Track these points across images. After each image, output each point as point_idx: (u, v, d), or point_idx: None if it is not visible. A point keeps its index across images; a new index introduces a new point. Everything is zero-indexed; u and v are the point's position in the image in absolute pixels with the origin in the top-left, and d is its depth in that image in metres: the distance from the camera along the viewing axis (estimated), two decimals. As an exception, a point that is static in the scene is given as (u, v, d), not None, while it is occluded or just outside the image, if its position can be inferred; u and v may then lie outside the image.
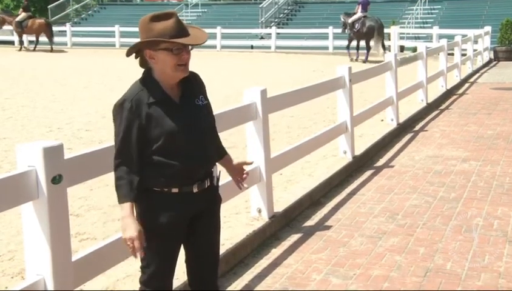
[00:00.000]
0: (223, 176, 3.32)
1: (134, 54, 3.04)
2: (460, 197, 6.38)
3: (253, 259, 4.94)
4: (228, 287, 4.44)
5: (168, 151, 2.94)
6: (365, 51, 22.67)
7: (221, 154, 3.35)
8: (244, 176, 3.40)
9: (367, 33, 22.28)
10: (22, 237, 3.32)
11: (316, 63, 22.11)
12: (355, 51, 23.06)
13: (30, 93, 15.16)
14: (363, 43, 22.83)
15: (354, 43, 23.27)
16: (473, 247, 5.03)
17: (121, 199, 2.98)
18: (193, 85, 3.09)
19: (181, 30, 2.91)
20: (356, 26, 22.43)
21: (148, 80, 2.98)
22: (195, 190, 3.04)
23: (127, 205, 2.95)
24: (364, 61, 21.90)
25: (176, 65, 2.92)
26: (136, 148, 2.93)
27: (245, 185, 3.44)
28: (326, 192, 6.68)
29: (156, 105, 2.93)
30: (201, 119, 3.05)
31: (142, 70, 3.07)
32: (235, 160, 3.43)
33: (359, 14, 23.03)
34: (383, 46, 22.35)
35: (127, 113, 2.91)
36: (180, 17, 3.02)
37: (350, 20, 22.86)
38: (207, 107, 3.13)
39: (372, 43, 22.33)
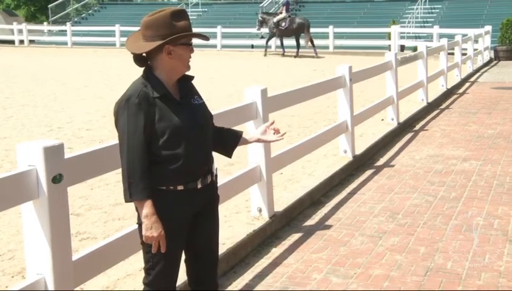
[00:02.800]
0: (222, 174, 3.32)
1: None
2: (461, 197, 6.38)
3: (253, 258, 4.94)
4: (228, 286, 4.44)
5: (172, 146, 2.95)
6: (264, 48, 25.99)
7: (238, 135, 3.37)
8: (274, 128, 3.38)
9: (297, 29, 24.90)
10: (23, 237, 3.32)
11: (316, 63, 22.11)
12: (281, 48, 25.91)
13: (30, 92, 15.17)
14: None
15: (271, 41, 26.55)
16: (473, 247, 5.03)
17: (137, 196, 2.91)
18: (189, 86, 3.14)
19: (191, 27, 3.05)
20: (283, 25, 24.91)
21: (150, 77, 3.01)
22: (199, 185, 3.06)
23: (148, 203, 2.92)
24: (296, 56, 24.68)
25: (188, 59, 3.04)
26: (144, 143, 2.92)
27: (282, 134, 3.41)
28: (327, 191, 6.68)
29: (161, 101, 2.97)
30: (200, 117, 3.09)
31: (142, 69, 3.08)
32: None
33: (284, 14, 25.43)
34: (312, 41, 25.06)
35: (134, 108, 2.92)
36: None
37: (275, 19, 25.15)
38: (204, 106, 3.17)
39: (301, 39, 25.14)
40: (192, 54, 3.06)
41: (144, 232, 2.95)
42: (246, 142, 3.43)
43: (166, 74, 3.01)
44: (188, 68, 3.07)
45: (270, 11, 26.84)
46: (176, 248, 3.10)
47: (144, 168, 2.91)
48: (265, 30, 26.28)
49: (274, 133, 3.38)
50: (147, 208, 2.92)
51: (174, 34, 2.93)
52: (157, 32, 2.95)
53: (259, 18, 26.41)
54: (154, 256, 3.04)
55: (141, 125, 2.91)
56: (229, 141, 3.35)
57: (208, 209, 3.19)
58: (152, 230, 2.92)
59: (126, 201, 2.98)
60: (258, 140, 3.47)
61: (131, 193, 2.92)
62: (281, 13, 25.78)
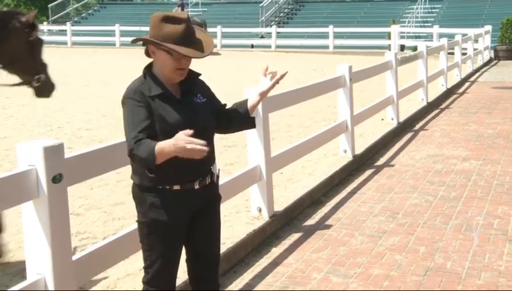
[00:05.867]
0: (222, 174, 3.32)
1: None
2: (461, 197, 6.38)
3: (253, 258, 4.94)
4: (228, 285, 4.44)
5: None
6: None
7: (245, 104, 3.26)
8: (271, 72, 3.27)
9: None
10: (23, 236, 3.32)
11: (316, 63, 22.11)
12: None
13: (30, 91, 15.13)
14: None
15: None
16: (473, 246, 5.03)
17: (153, 152, 2.76)
18: (192, 84, 3.11)
19: (187, 38, 2.91)
20: None
21: (149, 75, 3.01)
22: (196, 186, 3.05)
23: (160, 145, 2.75)
24: None
25: (174, 68, 2.95)
26: (147, 125, 2.86)
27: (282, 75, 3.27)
28: (327, 191, 6.68)
29: (157, 99, 2.95)
30: (200, 116, 3.06)
31: (142, 68, 3.08)
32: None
33: None
34: None
35: (133, 101, 2.92)
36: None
37: None
38: (206, 105, 3.12)
39: None
40: (183, 65, 2.95)
41: (185, 150, 2.72)
42: (254, 104, 3.28)
43: (160, 73, 2.99)
44: (178, 76, 2.97)
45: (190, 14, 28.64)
46: (174, 247, 3.10)
47: (146, 138, 2.82)
48: None
49: (271, 78, 3.26)
50: (162, 148, 2.75)
51: (155, 37, 2.91)
52: (150, 31, 2.96)
53: None
54: (151, 255, 3.05)
55: (143, 114, 2.87)
56: (241, 115, 3.25)
57: (209, 209, 3.18)
58: (177, 145, 2.71)
59: (148, 171, 2.90)
60: (262, 95, 3.28)
61: (149, 156, 2.77)
62: None
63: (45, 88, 5.00)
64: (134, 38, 3.08)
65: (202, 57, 2.95)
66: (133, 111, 2.91)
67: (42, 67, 4.96)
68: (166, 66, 2.95)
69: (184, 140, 2.69)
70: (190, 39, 2.93)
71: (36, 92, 5.04)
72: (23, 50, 4.81)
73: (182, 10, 26.82)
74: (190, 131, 2.72)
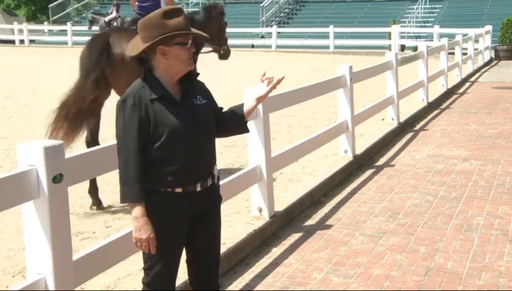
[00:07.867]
0: (223, 174, 3.32)
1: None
2: (461, 197, 6.38)
3: (254, 258, 4.94)
4: (229, 286, 4.44)
5: (170, 148, 2.94)
6: None
7: (241, 109, 3.27)
8: (268, 78, 3.25)
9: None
10: (23, 237, 3.32)
11: (317, 63, 22.11)
12: None
13: (30, 91, 15.17)
14: None
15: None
16: (474, 246, 5.03)
17: (130, 199, 2.93)
18: (192, 85, 3.10)
19: (189, 25, 2.99)
20: (115, 24, 26.19)
21: (149, 78, 2.99)
22: (198, 188, 3.05)
23: (139, 205, 2.93)
24: None
25: (188, 58, 2.98)
26: (138, 145, 2.92)
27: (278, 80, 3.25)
28: (327, 191, 6.68)
29: (158, 102, 2.94)
30: (201, 118, 3.06)
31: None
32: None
33: (114, 14, 26.98)
34: None
35: (129, 109, 2.91)
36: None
37: (106, 18, 26.82)
38: (206, 106, 3.12)
39: None
40: (192, 53, 3.01)
41: (133, 234, 2.96)
42: (251, 110, 3.28)
43: (165, 74, 2.98)
44: (190, 66, 3.01)
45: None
46: (175, 250, 3.10)
47: (138, 171, 2.91)
48: (96, 28, 27.28)
49: (268, 84, 3.24)
50: (137, 210, 2.93)
51: (164, 35, 2.90)
52: (149, 33, 2.93)
53: (89, 18, 28.22)
54: (152, 257, 3.04)
55: (135, 128, 2.90)
56: (237, 120, 3.26)
57: (210, 210, 3.18)
58: (141, 232, 2.93)
59: (120, 202, 3.00)
60: (259, 100, 3.27)
61: (125, 196, 2.94)
62: (111, 13, 27.20)
63: (227, 54, 7.62)
64: (140, 51, 2.96)
65: (208, 37, 3.20)
66: (128, 121, 2.92)
67: (225, 40, 7.55)
68: (181, 60, 2.96)
69: (146, 240, 2.93)
70: (189, 27, 3.00)
71: (221, 56, 7.64)
72: (218, 30, 7.32)
73: (118, 10, 26.76)
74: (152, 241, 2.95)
